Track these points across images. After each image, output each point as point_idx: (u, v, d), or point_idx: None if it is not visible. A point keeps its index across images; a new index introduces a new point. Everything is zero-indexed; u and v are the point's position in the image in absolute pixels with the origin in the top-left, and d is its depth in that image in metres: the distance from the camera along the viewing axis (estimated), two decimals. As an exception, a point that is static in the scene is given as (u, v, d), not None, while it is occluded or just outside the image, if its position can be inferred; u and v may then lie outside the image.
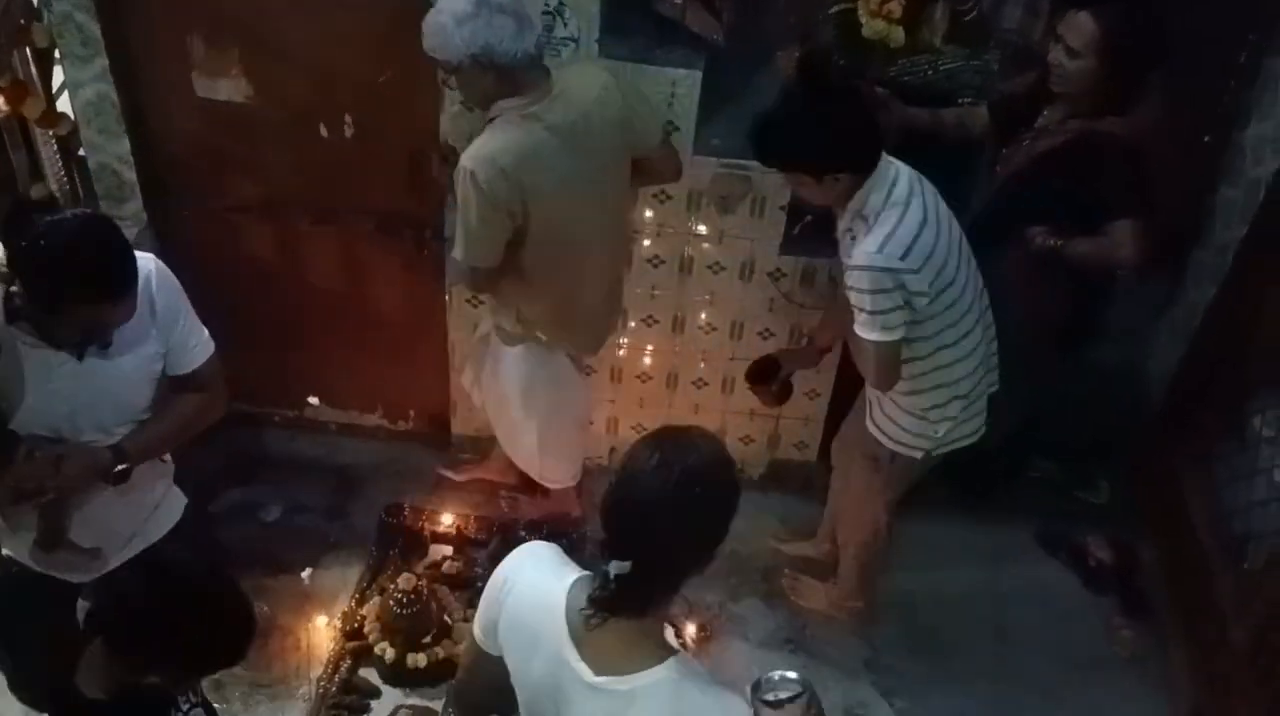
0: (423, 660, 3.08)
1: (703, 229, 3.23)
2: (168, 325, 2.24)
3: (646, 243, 3.23)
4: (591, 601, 1.61)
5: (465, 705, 2.01)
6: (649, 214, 3.19)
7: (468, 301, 3.35)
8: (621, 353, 3.50)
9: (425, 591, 3.13)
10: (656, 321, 3.42)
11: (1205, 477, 3.29)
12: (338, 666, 3.09)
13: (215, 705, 2.26)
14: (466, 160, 2.60)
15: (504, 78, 2.57)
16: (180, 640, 1.75)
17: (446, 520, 3.45)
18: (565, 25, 2.89)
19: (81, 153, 3.18)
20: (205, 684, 2.14)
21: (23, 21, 2.94)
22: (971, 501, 3.58)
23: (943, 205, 2.61)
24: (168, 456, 2.47)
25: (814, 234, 3.09)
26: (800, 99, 2.66)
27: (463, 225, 2.68)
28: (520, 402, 3.13)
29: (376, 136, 3.12)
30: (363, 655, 3.14)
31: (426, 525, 3.43)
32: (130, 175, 3.17)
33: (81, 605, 1.80)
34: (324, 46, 2.97)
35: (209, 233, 3.32)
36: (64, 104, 3.12)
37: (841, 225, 2.63)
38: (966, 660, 3.28)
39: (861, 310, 2.54)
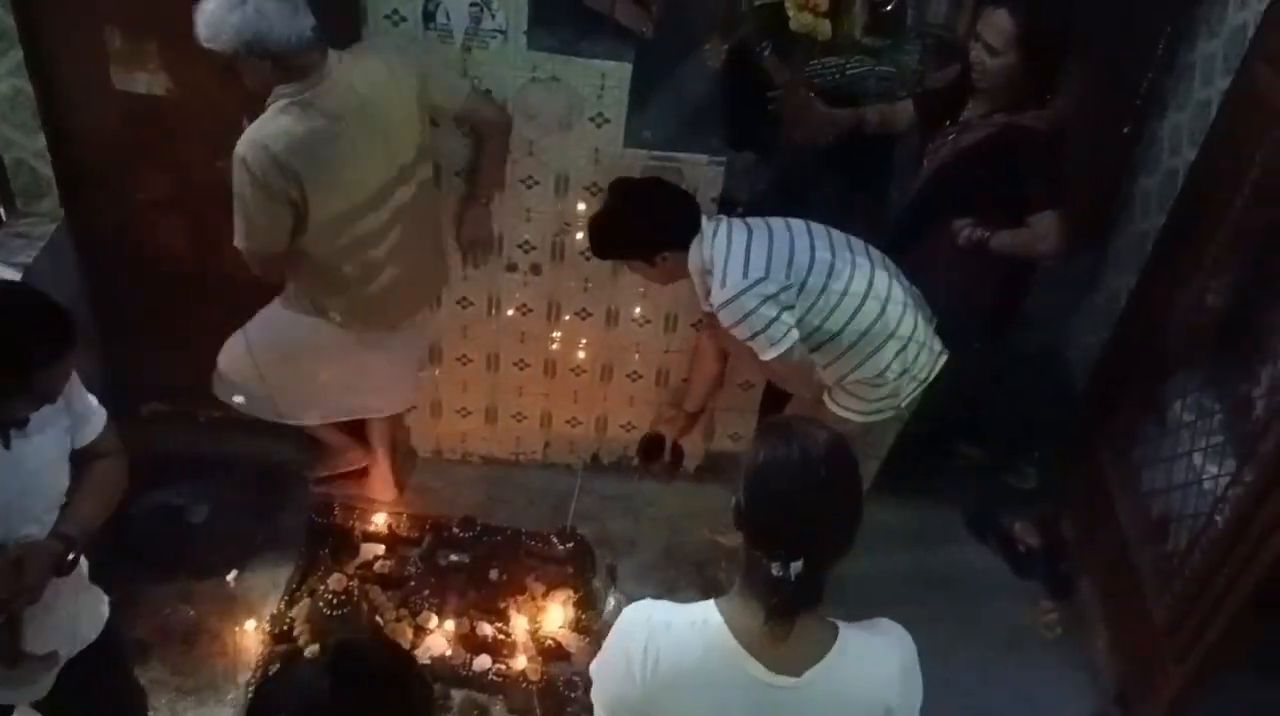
0: (355, 661, 3.03)
1: (635, 221, 3.22)
2: (70, 395, 2.07)
3: (579, 235, 3.21)
4: (773, 611, 1.59)
5: None
6: (581, 207, 3.18)
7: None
8: (555, 347, 3.48)
9: (356, 592, 3.08)
10: (590, 314, 3.41)
11: (1127, 461, 3.37)
12: (266, 670, 3.03)
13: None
14: (240, 146, 2.57)
15: (280, 64, 2.53)
16: None
17: (378, 519, 3.40)
18: (493, 17, 2.86)
19: (-5, 149, 3.09)
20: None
21: (-70, 13, 2.84)
22: (901, 487, 3.62)
23: (781, 220, 2.78)
24: None
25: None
26: (618, 196, 2.90)
27: (240, 211, 2.65)
28: (266, 348, 3.05)
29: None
30: (292, 658, 3.08)
31: (357, 524, 3.38)
32: (47, 171, 3.11)
33: None
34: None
35: (127, 228, 3.25)
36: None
37: (700, 291, 2.78)
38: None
39: (749, 339, 2.68)
